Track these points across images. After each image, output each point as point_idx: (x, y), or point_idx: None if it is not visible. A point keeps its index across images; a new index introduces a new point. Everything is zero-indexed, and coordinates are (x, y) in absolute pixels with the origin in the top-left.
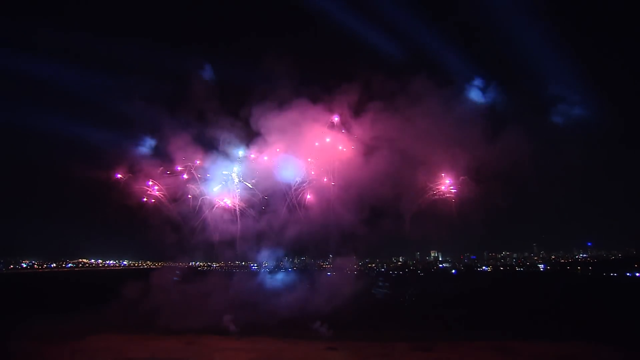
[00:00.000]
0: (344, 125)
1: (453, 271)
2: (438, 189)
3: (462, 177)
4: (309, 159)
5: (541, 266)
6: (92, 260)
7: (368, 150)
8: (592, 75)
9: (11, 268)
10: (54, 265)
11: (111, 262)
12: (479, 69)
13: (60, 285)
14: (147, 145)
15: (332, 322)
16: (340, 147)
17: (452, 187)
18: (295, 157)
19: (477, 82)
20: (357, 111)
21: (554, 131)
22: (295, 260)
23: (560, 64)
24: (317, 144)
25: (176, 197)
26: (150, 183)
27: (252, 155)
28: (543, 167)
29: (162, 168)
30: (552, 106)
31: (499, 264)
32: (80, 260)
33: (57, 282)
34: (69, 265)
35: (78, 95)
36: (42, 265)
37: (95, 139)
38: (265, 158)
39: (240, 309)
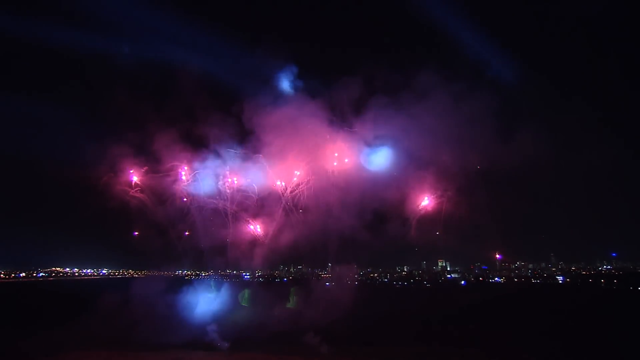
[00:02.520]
0: (345, 122)
1: (462, 282)
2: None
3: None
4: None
5: (560, 278)
6: (67, 269)
7: (370, 150)
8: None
9: None
10: (23, 274)
11: (89, 270)
12: (491, 60)
13: (30, 296)
14: (130, 143)
15: (329, 336)
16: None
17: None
18: (291, 157)
19: (489, 75)
20: (359, 107)
21: (575, 129)
22: (291, 269)
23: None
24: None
25: (162, 199)
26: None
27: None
28: (562, 169)
29: (146, 167)
30: (573, 102)
31: (513, 275)
32: (54, 269)
33: (27, 293)
34: (41, 274)
35: (50, 85)
36: (9, 275)
37: (72, 134)
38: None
39: (227, 320)
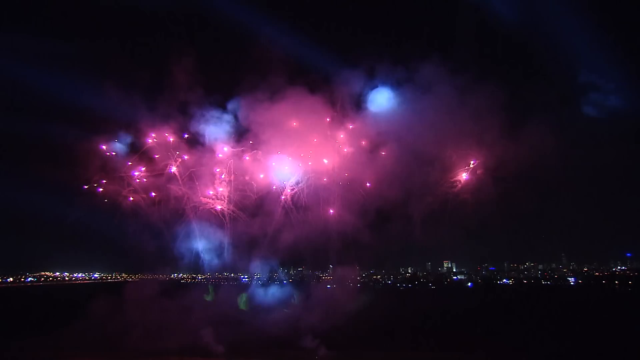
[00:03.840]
0: (346, 117)
1: (469, 284)
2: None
3: (479, 172)
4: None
5: (571, 280)
6: (57, 274)
7: (373, 146)
8: (629, 59)
9: None
10: (11, 279)
11: (80, 275)
12: (499, 52)
13: (18, 302)
14: (123, 141)
15: (328, 340)
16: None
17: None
18: (290, 154)
19: (497, 68)
20: (360, 102)
21: (585, 124)
22: (291, 271)
23: (592, 46)
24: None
25: (156, 199)
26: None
27: (247, 158)
28: (573, 165)
29: (140, 166)
30: (584, 95)
31: (522, 276)
32: (43, 273)
33: (14, 298)
34: (29, 279)
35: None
36: None
37: (60, 132)
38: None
39: (225, 326)
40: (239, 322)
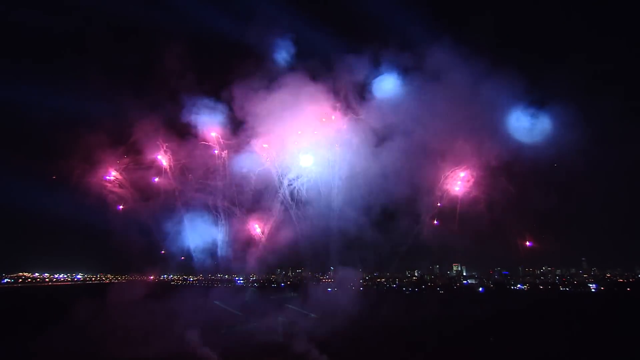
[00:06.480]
0: (350, 107)
1: (480, 289)
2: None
3: (493, 166)
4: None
5: (592, 286)
6: (37, 274)
7: (379, 138)
8: None
9: None
10: None
11: (61, 276)
12: (515, 36)
13: None
14: (107, 131)
15: (326, 347)
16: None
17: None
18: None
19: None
20: (365, 91)
21: (610, 116)
22: (290, 273)
23: (617, 30)
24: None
25: (145, 194)
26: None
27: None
28: (595, 161)
29: (126, 159)
30: (608, 85)
31: (537, 281)
32: (21, 274)
33: None
34: (5, 280)
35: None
36: None
37: (40, 120)
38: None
39: (217, 331)
40: (231, 328)
